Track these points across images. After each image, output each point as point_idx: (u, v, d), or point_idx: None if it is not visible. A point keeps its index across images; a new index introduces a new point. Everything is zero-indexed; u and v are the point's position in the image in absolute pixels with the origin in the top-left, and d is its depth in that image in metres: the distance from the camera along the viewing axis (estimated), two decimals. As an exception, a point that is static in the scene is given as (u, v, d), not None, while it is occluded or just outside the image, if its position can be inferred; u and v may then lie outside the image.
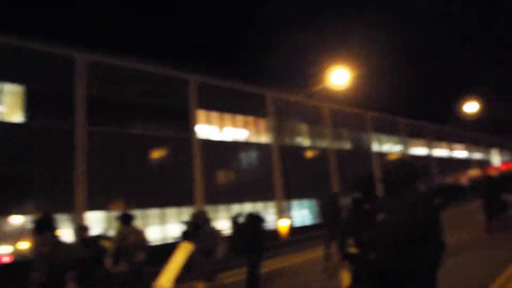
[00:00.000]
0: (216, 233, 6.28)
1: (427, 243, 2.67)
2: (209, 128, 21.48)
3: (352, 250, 3.43)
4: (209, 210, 19.41)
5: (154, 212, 17.64)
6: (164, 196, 18.00)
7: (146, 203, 17.39)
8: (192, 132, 20.17)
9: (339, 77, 23.68)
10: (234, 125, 22.86)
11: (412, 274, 2.62)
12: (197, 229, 5.66)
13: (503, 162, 57.72)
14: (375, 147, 34.50)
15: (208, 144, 20.83)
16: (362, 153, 32.21)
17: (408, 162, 3.10)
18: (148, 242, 8.02)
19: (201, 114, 21.03)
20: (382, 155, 34.58)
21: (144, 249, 7.61)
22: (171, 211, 18.28)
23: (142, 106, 18.46)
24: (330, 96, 26.89)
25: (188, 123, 20.19)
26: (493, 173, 43.78)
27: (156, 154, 18.68)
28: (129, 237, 7.19)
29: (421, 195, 2.88)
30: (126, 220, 7.66)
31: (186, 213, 18.59)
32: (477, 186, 20.10)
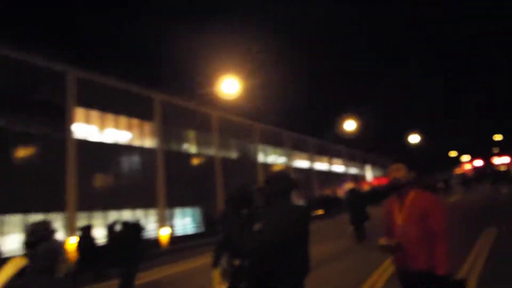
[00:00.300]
0: (58, 248, 5.67)
1: (297, 253, 2.87)
2: (88, 128, 20.27)
3: (236, 262, 3.56)
4: (83, 216, 18.28)
5: (15, 218, 15.95)
6: (28, 200, 16.38)
7: (5, 207, 15.65)
8: (67, 131, 18.81)
9: (230, 86, 24.26)
10: (117, 126, 21.91)
11: (281, 281, 2.79)
12: (36, 243, 5.09)
13: (375, 178, 64.50)
14: (261, 158, 35.94)
15: (86, 145, 19.61)
16: (248, 163, 33.27)
17: (284, 175, 3.27)
18: None
19: (79, 112, 19.76)
20: (267, 166, 36.14)
21: None
22: (37, 218, 16.72)
23: (8, 97, 16.69)
24: (219, 105, 27.36)
25: (63, 121, 18.79)
26: (359, 187, 48.66)
27: (22, 152, 16.99)
28: None
29: (294, 207, 3.08)
30: None
31: (55, 219, 17.20)
32: (345, 199, 22.23)
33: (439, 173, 75.33)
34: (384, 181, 63.42)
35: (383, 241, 3.10)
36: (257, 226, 2.98)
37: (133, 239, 8.58)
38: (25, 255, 4.94)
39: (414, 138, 58.52)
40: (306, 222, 3.06)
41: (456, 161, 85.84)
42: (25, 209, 16.23)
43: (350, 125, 42.76)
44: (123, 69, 23.66)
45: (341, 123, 42.80)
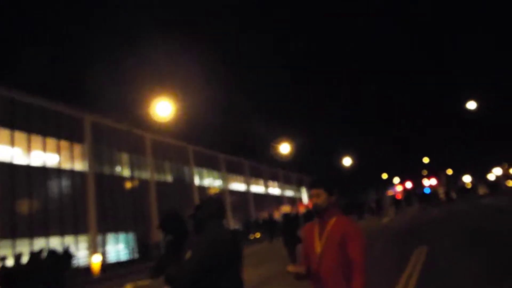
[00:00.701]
0: None
1: (227, 278, 2.95)
2: (12, 150, 19.70)
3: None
4: (7, 244, 17.63)
5: None
6: None
7: None
8: (-11, 153, 18.22)
9: (163, 108, 24.67)
10: (44, 148, 21.45)
11: None
12: None
13: (308, 200, 66.75)
14: (197, 180, 36.29)
15: (9, 168, 19.04)
16: (183, 186, 33.48)
17: (214, 199, 3.35)
18: None
19: (2, 133, 19.21)
20: (203, 189, 36.52)
21: None
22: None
23: None
24: (153, 127, 27.59)
25: (-15, 142, 18.20)
26: (294, 210, 50.30)
27: None
28: None
29: (224, 232, 3.15)
30: None
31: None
32: (280, 223, 23.17)
33: (372, 194, 79.44)
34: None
35: (291, 268, 2.99)
36: (187, 255, 3.02)
37: (61, 267, 8.53)
38: None
39: (346, 161, 61.72)
40: (237, 246, 3.17)
41: (389, 183, 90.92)
42: None
43: (285, 148, 44.49)
44: (51, 88, 23.30)
45: (276, 146, 44.42)
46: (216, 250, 2.94)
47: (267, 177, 53.78)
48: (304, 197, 67.25)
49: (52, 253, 8.71)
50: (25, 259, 17.64)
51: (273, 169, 55.47)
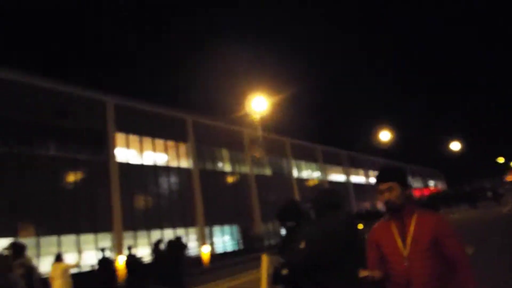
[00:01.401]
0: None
1: (341, 271, 2.94)
2: (128, 152, 22.15)
3: (284, 271, 3.53)
4: (129, 236, 19.94)
5: (69, 238, 17.75)
6: (79, 222, 18.23)
7: (60, 228, 17.51)
8: (109, 155, 20.70)
9: (260, 103, 25.77)
10: (154, 149, 23.74)
11: None
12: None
13: (415, 188, 64.06)
14: (295, 173, 37.06)
15: (127, 168, 21.45)
16: (282, 179, 34.47)
17: (330, 190, 3.44)
18: (39, 275, 7.00)
19: (119, 137, 21.67)
20: (301, 181, 37.20)
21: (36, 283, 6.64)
22: (87, 238, 18.50)
23: (56, 127, 18.73)
24: (250, 123, 28.87)
25: (105, 146, 20.72)
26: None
27: (72, 177, 18.93)
28: (16, 270, 6.11)
29: (339, 222, 3.11)
30: (16, 250, 6.63)
31: (103, 239, 18.93)
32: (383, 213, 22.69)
33: (486, 181, 73.80)
34: (426, 192, 63.04)
35: (364, 272, 2.63)
36: (302, 244, 3.07)
37: (178, 257, 9.45)
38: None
39: (455, 146, 58.15)
40: (354, 238, 3.12)
41: (505, 168, 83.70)
42: (77, 230, 18.07)
43: (385, 136, 43.36)
44: (156, 93, 25.60)
45: (376, 134, 43.53)
46: (328, 240, 2.96)
47: (367, 167, 52.81)
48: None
49: (173, 242, 9.73)
50: (144, 250, 19.79)
51: (374, 158, 54.29)
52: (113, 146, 21.01)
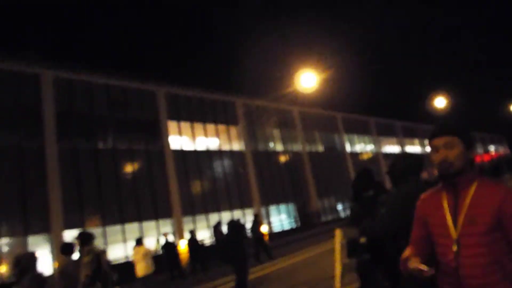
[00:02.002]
0: (42, 278, 5.22)
1: None
2: (181, 139, 22.33)
3: (362, 239, 3.59)
4: (188, 220, 20.25)
5: (133, 226, 18.25)
6: (141, 210, 18.70)
7: (125, 217, 18.03)
8: (164, 144, 20.97)
9: (308, 80, 25.01)
10: (206, 134, 23.80)
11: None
12: (21, 274, 4.86)
13: (475, 155, 60.82)
14: (348, 147, 36.12)
15: (181, 155, 21.66)
16: (335, 154, 33.71)
17: (410, 154, 3.29)
18: (109, 262, 7.06)
19: (171, 125, 21.86)
20: (355, 155, 36.23)
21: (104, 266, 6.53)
22: (149, 225, 18.95)
23: (112, 120, 19.15)
24: (299, 100, 28.24)
25: (159, 135, 20.99)
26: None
27: (131, 167, 19.38)
28: (84, 258, 6.24)
29: (420, 186, 2.92)
30: (84, 239, 6.66)
31: (164, 225, 19.33)
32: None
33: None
34: (486, 158, 59.82)
35: (414, 263, 1.95)
36: (382, 210, 3.00)
37: (240, 237, 9.38)
38: (13, 284, 5.19)
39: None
40: None
41: None
42: (140, 218, 18.54)
43: (440, 102, 41.15)
44: (204, 79, 25.56)
45: (430, 102, 41.39)
46: (410, 204, 2.65)
47: (422, 136, 50.61)
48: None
49: (233, 223, 9.64)
50: (204, 233, 20.03)
51: (429, 126, 51.86)
52: (167, 134, 21.25)
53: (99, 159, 18.12)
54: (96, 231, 16.31)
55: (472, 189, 1.92)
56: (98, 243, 15.14)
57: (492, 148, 74.21)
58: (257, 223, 16.85)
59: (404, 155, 3.29)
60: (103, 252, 6.57)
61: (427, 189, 2.54)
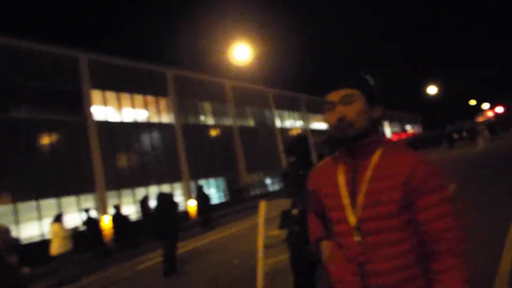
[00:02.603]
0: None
1: None
2: (106, 109, 20.69)
3: (295, 211, 3.49)
4: (113, 195, 18.95)
5: (50, 202, 16.63)
6: (60, 185, 17.07)
7: (41, 193, 16.35)
8: (87, 114, 19.26)
9: (241, 53, 24.19)
10: (133, 105, 22.30)
11: None
12: None
13: (394, 133, 64.23)
14: (278, 123, 36.11)
15: (106, 126, 20.10)
16: (265, 130, 33.53)
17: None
18: (15, 242, 6.45)
19: (95, 94, 20.13)
20: (285, 131, 36.35)
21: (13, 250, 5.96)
22: (69, 200, 17.41)
23: (28, 88, 17.09)
24: (232, 73, 27.44)
25: (81, 105, 19.22)
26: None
27: (48, 139, 17.55)
28: None
29: None
30: None
31: (86, 201, 17.91)
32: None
33: (460, 123, 74.51)
34: (403, 136, 63.24)
35: (326, 245, 1.61)
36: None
37: (170, 212, 8.88)
38: None
39: (432, 89, 57.73)
40: None
41: (477, 110, 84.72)
42: (58, 193, 16.93)
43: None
44: (132, 47, 23.83)
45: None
46: None
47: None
48: (387, 131, 64.82)
49: (165, 198, 9.00)
50: (130, 208, 18.95)
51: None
52: (90, 104, 19.51)
53: (12, 129, 16.14)
54: (6, 208, 14.70)
55: (375, 158, 1.46)
56: (7, 221, 13.61)
57: (408, 127, 78.71)
58: (201, 193, 16.80)
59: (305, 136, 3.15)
60: (6, 231, 5.74)
61: None
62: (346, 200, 1.46)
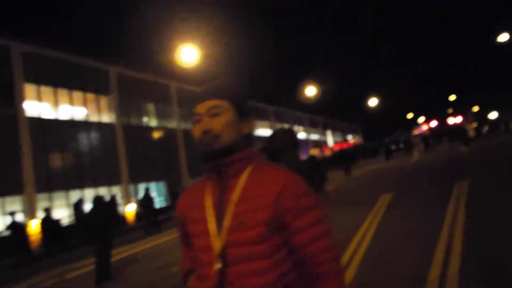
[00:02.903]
0: None
1: None
2: (41, 105, 19.40)
3: None
4: (44, 198, 17.76)
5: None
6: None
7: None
8: (18, 109, 17.93)
9: (188, 55, 23.72)
10: (71, 102, 21.10)
11: None
12: None
13: (336, 143, 66.05)
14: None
15: (39, 123, 18.82)
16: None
17: (287, 130, 3.13)
18: None
19: (29, 88, 18.81)
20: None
21: None
22: (-7, 201, 16.08)
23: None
24: (178, 75, 26.84)
25: (13, 99, 17.87)
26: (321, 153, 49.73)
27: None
28: None
29: (300, 161, 3.04)
30: None
31: (13, 203, 16.62)
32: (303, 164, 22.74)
33: (398, 134, 78.04)
34: (345, 146, 65.18)
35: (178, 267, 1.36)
36: None
37: (105, 216, 8.40)
38: None
39: (372, 102, 60.03)
40: (315, 175, 2.99)
41: (414, 123, 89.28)
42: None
43: (310, 91, 43.25)
44: (74, 41, 22.64)
45: (301, 89, 43.19)
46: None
47: (292, 122, 52.97)
48: (330, 140, 66.53)
49: (104, 201, 8.42)
50: (62, 212, 17.90)
51: (299, 113, 54.49)
52: (22, 99, 18.19)
53: None
54: None
55: (244, 177, 1.32)
56: None
57: (350, 137, 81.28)
58: (148, 196, 16.43)
59: (282, 129, 3.09)
60: None
61: (306, 163, 2.71)
62: (211, 225, 1.30)
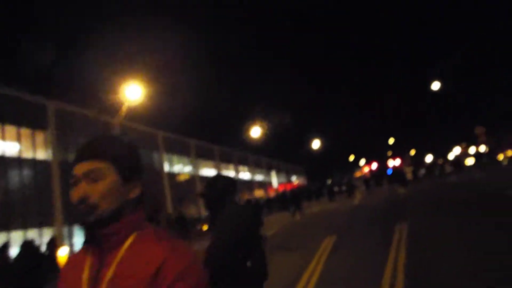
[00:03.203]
0: None
1: (253, 255, 2.72)
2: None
3: None
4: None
5: None
6: None
7: None
8: None
9: (133, 92, 23.37)
10: (3, 137, 19.87)
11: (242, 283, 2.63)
12: None
13: (280, 184, 66.69)
14: (166, 167, 35.16)
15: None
16: (153, 173, 32.33)
17: (224, 176, 3.11)
18: None
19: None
20: (172, 175, 35.46)
21: None
22: None
23: None
24: (121, 112, 26.23)
25: None
26: (261, 196, 49.93)
27: None
28: None
29: (241, 207, 3.00)
30: None
31: None
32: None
33: (339, 176, 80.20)
34: (289, 187, 65.98)
35: None
36: (212, 238, 2.75)
37: (34, 262, 7.75)
38: None
39: (315, 143, 61.78)
40: (257, 221, 2.95)
41: (355, 165, 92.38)
42: None
43: (255, 132, 43.83)
44: (11, 75, 21.67)
45: (246, 130, 43.64)
46: (239, 226, 2.67)
47: (237, 162, 53.07)
48: (274, 181, 67.14)
49: (28, 245, 7.71)
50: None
51: (243, 153, 54.79)
52: None
53: None
54: None
55: (124, 249, 1.17)
56: None
57: (294, 178, 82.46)
58: (53, 245, 14.68)
59: (220, 176, 3.07)
60: None
61: (249, 208, 2.84)
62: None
